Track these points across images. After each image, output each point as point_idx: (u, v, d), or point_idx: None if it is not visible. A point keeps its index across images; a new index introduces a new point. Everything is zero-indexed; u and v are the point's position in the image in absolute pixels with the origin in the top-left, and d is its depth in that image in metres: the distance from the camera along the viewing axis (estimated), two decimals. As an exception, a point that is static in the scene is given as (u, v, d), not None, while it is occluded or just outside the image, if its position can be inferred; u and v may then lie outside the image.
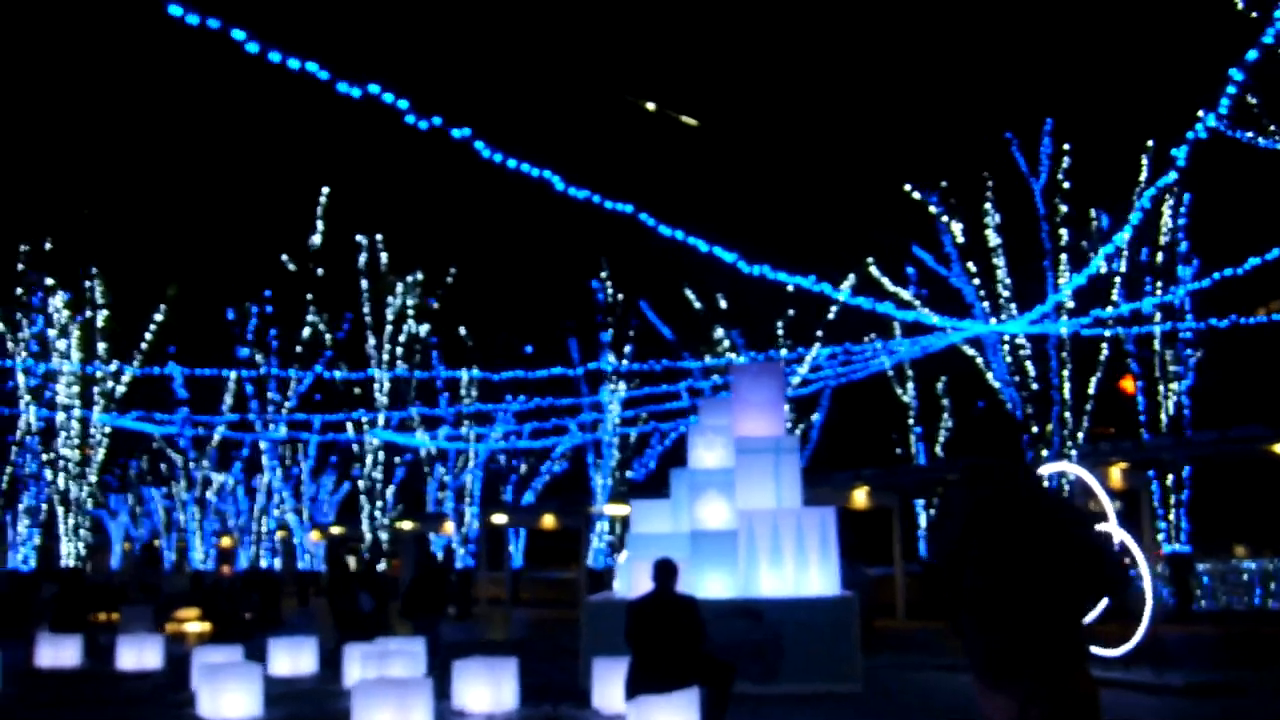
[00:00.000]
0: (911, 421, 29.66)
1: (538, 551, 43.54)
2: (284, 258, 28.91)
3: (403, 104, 14.20)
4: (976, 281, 22.11)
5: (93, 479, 24.78)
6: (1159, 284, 22.76)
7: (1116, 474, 24.08)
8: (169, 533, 50.42)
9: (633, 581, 14.64)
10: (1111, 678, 13.68)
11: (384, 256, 28.56)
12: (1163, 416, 23.59)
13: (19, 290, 24.58)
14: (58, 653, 17.19)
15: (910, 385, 29.61)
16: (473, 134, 14.69)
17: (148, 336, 25.38)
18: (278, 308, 28.81)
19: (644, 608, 9.68)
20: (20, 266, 23.67)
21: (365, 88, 13.96)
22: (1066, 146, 21.63)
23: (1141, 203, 16.57)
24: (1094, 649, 14.39)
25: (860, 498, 28.58)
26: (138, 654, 16.43)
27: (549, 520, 40.50)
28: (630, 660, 9.55)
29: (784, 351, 26.52)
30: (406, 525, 46.42)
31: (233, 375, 30.21)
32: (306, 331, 29.90)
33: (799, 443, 16.05)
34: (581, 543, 33.47)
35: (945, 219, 22.12)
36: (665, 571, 9.80)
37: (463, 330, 33.96)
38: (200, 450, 35.91)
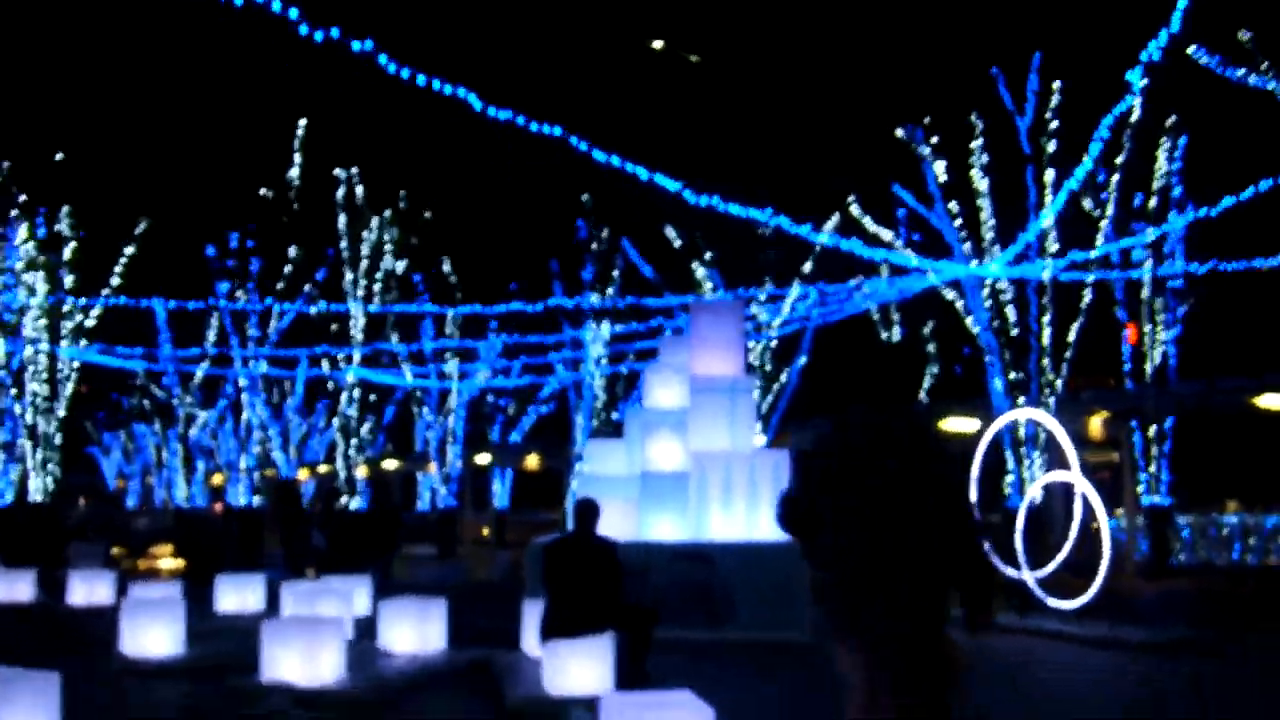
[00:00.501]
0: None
1: (524, 493, 43.45)
2: (262, 191, 28.37)
3: (368, 44, 13.78)
4: (959, 223, 21.51)
5: (61, 413, 24.54)
6: (1150, 230, 22.17)
7: (1097, 424, 23.69)
8: (160, 470, 50.46)
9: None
10: (1063, 630, 13.41)
11: (360, 190, 27.99)
12: (1148, 367, 23.11)
13: None
14: (11, 587, 17.03)
15: (896, 329, 29.14)
16: (436, 74, 14.24)
17: (119, 270, 24.94)
18: (257, 242, 28.33)
19: (560, 549, 9.35)
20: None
21: (329, 32, 13.55)
22: (1056, 84, 20.90)
23: (1100, 133, 15.88)
24: (1050, 600, 14.14)
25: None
26: (88, 590, 16.24)
27: (533, 461, 40.36)
28: (545, 603, 9.24)
29: (763, 293, 26.04)
30: (391, 465, 46.45)
31: (215, 309, 29.80)
32: (288, 267, 29.45)
33: (754, 383, 15.61)
34: (563, 484, 33.32)
35: (928, 157, 21.44)
36: (584, 513, 9.47)
37: (446, 266, 33.55)
38: (184, 387, 35.63)
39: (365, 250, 27.96)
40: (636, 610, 9.40)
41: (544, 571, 9.24)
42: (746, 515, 13.99)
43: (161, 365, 33.95)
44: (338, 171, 28.27)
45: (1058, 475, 15.38)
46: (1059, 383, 21.55)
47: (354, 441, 29.14)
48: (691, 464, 14.20)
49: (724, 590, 13.25)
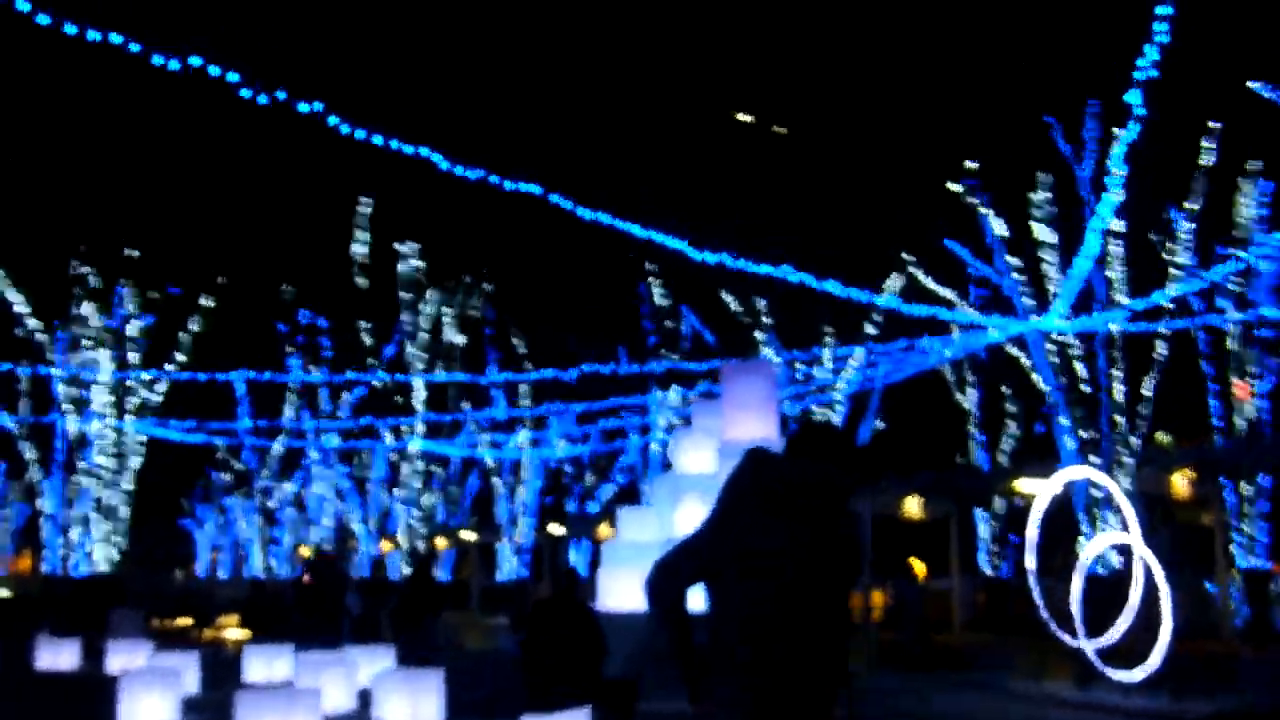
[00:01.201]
0: (973, 427, 28.12)
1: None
2: (331, 270, 28.98)
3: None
4: (1020, 276, 20.64)
5: (127, 487, 25.05)
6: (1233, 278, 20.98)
7: (1181, 482, 22.24)
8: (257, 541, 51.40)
9: (608, 592, 13.84)
10: (1122, 704, 12.35)
11: (419, 264, 28.32)
12: (1238, 421, 21.75)
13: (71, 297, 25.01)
14: (56, 656, 17.18)
15: (971, 390, 28.12)
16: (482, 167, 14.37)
17: (184, 347, 25.55)
18: (324, 317, 28.84)
19: (538, 618, 8.89)
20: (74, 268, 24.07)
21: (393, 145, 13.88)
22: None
23: (1113, 162, 14.99)
24: (1110, 671, 13.08)
25: (914, 506, 27.09)
26: (128, 658, 16.24)
27: (606, 531, 39.82)
28: (521, 674, 8.76)
29: (827, 353, 25.37)
30: (470, 536, 46.39)
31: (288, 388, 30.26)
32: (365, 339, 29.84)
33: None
34: (636, 554, 32.66)
35: (985, 210, 20.67)
36: (564, 582, 9.01)
37: (516, 342, 33.58)
38: (262, 460, 36.28)
39: (425, 324, 28.15)
40: (615, 684, 8.84)
41: (521, 641, 8.78)
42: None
43: (240, 439, 34.68)
44: (400, 247, 28.68)
45: (1114, 538, 14.35)
46: (1134, 440, 20.35)
47: (416, 513, 29.10)
48: (717, 530, 13.59)
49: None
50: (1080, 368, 20.38)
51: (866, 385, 25.66)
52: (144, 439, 25.37)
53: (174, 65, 13.18)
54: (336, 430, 30.82)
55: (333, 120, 14.24)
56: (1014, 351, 21.48)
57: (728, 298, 27.09)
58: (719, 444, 14.37)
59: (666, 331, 30.10)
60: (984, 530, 27.99)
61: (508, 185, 13.57)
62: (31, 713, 12.64)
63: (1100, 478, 15.07)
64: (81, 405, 24.13)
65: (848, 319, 25.07)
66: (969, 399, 28.12)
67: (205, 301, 25.92)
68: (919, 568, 33.20)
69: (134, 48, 12.76)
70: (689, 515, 14.27)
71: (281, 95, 13.59)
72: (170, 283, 25.50)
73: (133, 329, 24.99)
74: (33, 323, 24.54)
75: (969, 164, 20.54)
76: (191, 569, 62.34)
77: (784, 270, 18.25)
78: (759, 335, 26.58)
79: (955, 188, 20.97)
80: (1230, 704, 11.91)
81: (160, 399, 25.74)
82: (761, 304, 26.66)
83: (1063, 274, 20.05)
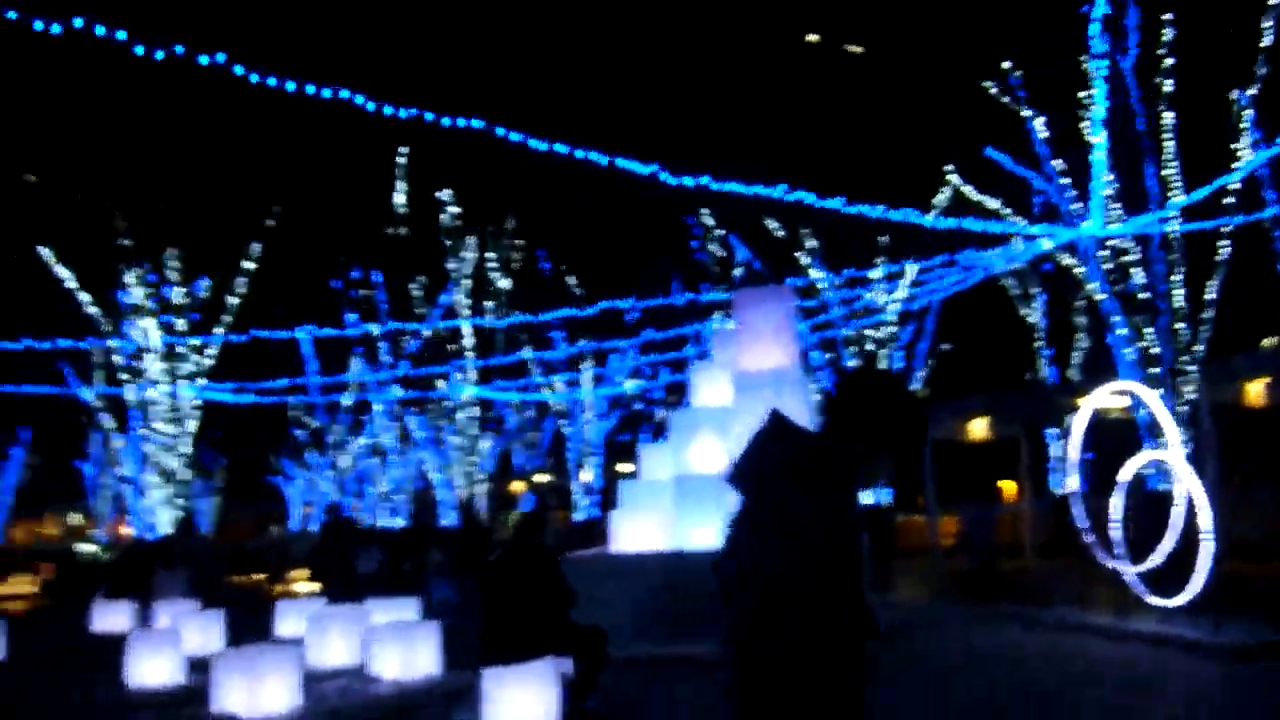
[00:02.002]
0: (1040, 342, 26.98)
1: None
2: (374, 221, 28.91)
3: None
4: (1068, 180, 19.46)
5: (186, 450, 25.53)
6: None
7: (1257, 391, 20.98)
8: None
9: (623, 534, 13.52)
10: (1161, 632, 11.63)
11: (455, 210, 28.05)
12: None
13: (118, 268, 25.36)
14: (110, 618, 17.56)
15: (1036, 303, 26.95)
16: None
17: (231, 309, 25.75)
18: (372, 270, 28.85)
19: (499, 565, 8.56)
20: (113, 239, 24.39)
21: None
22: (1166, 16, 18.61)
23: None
24: (1151, 597, 12.36)
25: (979, 428, 26.23)
26: (169, 618, 16.53)
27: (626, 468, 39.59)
28: (481, 624, 8.46)
29: (877, 273, 24.43)
30: (544, 479, 46.63)
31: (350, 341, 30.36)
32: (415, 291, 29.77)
33: (803, 373, 14.35)
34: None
35: (1027, 113, 19.47)
36: (525, 525, 8.67)
37: (572, 280, 33.19)
38: (332, 416, 36.77)
39: (468, 270, 27.93)
40: (583, 631, 8.49)
41: (482, 589, 8.48)
42: (793, 517, 12.80)
43: (311, 396, 35.14)
44: (440, 194, 28.43)
45: (1152, 454, 13.51)
46: (1200, 348, 19.19)
47: (473, 459, 29.16)
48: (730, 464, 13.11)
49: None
50: (1138, 274, 19.23)
51: (920, 304, 24.68)
52: (199, 403, 25.82)
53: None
54: (397, 382, 30.96)
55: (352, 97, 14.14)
56: (1069, 261, 20.32)
57: (773, 224, 26.29)
58: (733, 375, 13.82)
59: (719, 260, 29.44)
60: (1056, 450, 26.96)
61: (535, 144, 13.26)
62: (63, 672, 12.92)
63: (1141, 391, 14.15)
64: (136, 374, 24.59)
65: (897, 237, 24.08)
66: (1034, 312, 27.00)
67: (248, 264, 26.09)
68: (1008, 489, 32.29)
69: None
70: (704, 450, 13.85)
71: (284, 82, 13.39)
72: (212, 246, 25.74)
73: (178, 296, 25.32)
74: (84, 296, 25.01)
75: (1006, 65, 19.33)
76: (284, 525, 64.03)
77: (831, 201, 17.46)
78: (805, 260, 25.79)
79: (994, 90, 19.79)
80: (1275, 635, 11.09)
81: (211, 363, 26.10)
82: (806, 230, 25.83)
83: (1114, 175, 18.86)
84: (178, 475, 25.70)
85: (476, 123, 15.58)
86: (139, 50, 13.21)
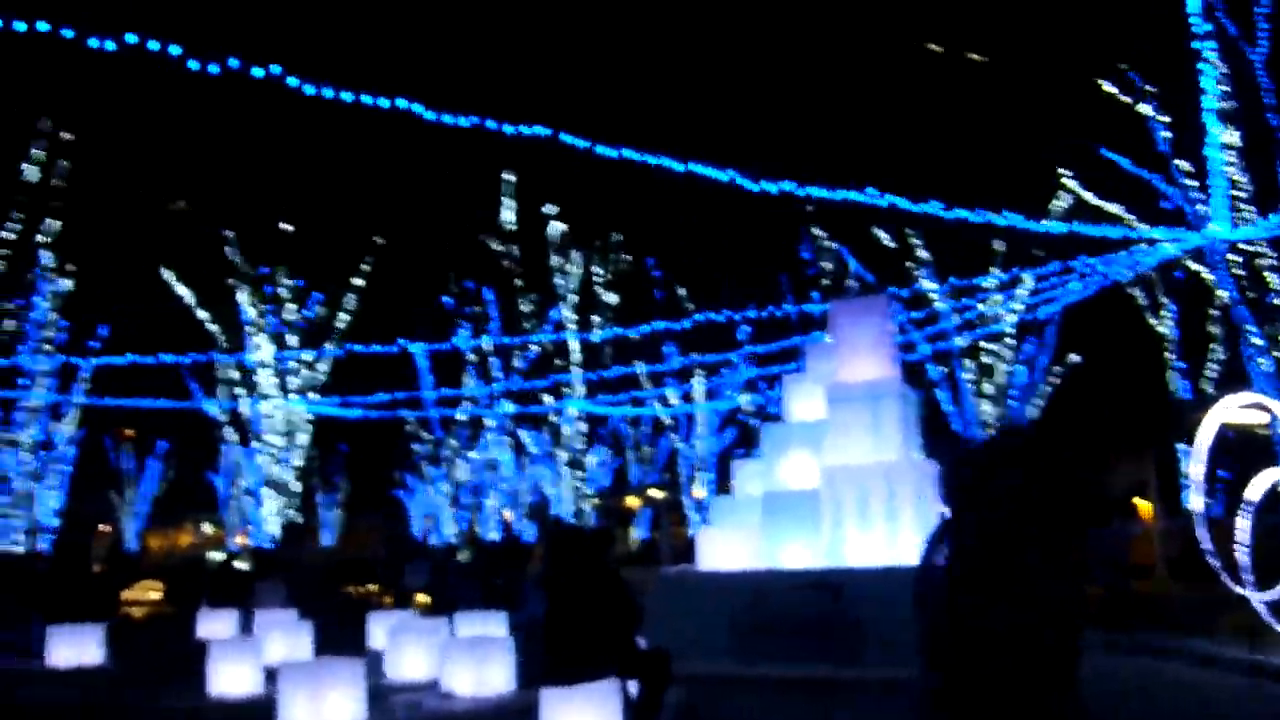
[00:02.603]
0: (1172, 355, 25.50)
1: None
2: (483, 238, 29.15)
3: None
4: (1193, 182, 18.30)
5: (297, 463, 26.08)
6: None
7: None
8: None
9: (711, 551, 13.13)
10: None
11: (561, 226, 28.07)
12: None
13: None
14: (213, 625, 17.94)
15: (1169, 314, 25.48)
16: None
17: (341, 325, 26.28)
18: (479, 286, 29.11)
19: (561, 582, 8.29)
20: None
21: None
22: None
23: None
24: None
25: (1104, 445, 24.92)
26: (267, 627, 16.76)
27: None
28: (542, 643, 8.19)
29: (993, 282, 23.45)
30: (658, 494, 46.32)
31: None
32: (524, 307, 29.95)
33: (903, 386, 13.69)
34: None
35: (1147, 109, 18.38)
36: (591, 541, 8.38)
37: (682, 291, 32.86)
38: (447, 430, 37.21)
39: (573, 284, 27.93)
40: (646, 653, 8.14)
41: (545, 606, 8.23)
42: (886, 536, 12.23)
43: (421, 411, 35.65)
44: (547, 209, 28.52)
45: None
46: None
47: (580, 474, 29.06)
48: (822, 480, 12.62)
49: (851, 622, 11.57)
50: (1274, 279, 17.96)
51: (1041, 315, 23.58)
52: (310, 417, 26.41)
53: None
54: (507, 396, 31.14)
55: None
56: (1197, 267, 19.10)
57: (882, 234, 25.55)
58: (827, 388, 13.31)
59: (829, 274, 28.78)
60: (1188, 466, 25.31)
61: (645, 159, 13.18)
62: (157, 679, 13.16)
63: (1272, 404, 13.11)
64: (252, 389, 25.28)
65: (1012, 245, 23.09)
66: (1165, 323, 25.53)
67: (358, 281, 26.61)
68: (1143, 508, 30.63)
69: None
70: (796, 466, 13.37)
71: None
72: (325, 264, 26.33)
73: (289, 313, 25.96)
74: (202, 314, 25.86)
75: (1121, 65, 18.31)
76: (407, 538, 65.04)
77: (938, 207, 16.88)
78: (917, 272, 24.97)
79: (1111, 89, 18.76)
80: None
81: (322, 378, 26.66)
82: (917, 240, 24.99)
83: (1246, 175, 17.66)
84: (289, 487, 26.27)
85: (581, 142, 15.53)
86: (233, 65, 13.49)
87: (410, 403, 33.31)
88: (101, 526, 55.50)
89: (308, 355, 25.62)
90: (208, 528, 62.12)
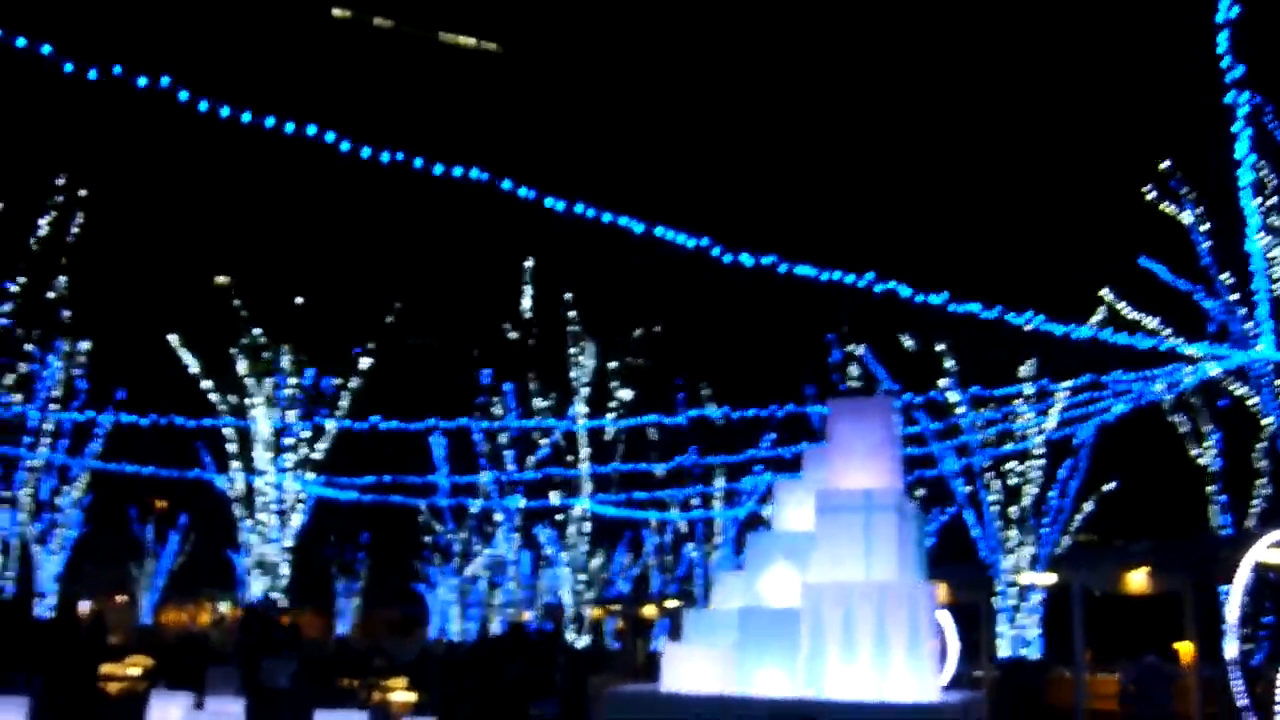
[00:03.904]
0: (1213, 487, 23.96)
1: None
2: (505, 326, 28.51)
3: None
4: (1235, 297, 17.10)
5: (288, 543, 25.08)
6: None
7: None
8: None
9: (676, 669, 11.81)
10: None
11: (574, 315, 27.28)
12: None
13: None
14: (166, 708, 16.84)
15: (1212, 442, 24.01)
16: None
17: (343, 403, 25.54)
18: (497, 378, 28.36)
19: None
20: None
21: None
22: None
23: None
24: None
25: (1138, 579, 23.22)
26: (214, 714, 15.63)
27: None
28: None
29: (1024, 397, 22.20)
30: (675, 604, 44.56)
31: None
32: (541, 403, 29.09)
33: (905, 499, 12.43)
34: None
35: (1188, 218, 17.26)
36: (485, 660, 7.26)
37: (708, 394, 31.83)
38: (459, 522, 36.13)
39: (586, 377, 27.04)
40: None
41: None
42: (874, 666, 10.88)
43: (438, 498, 34.61)
44: (567, 296, 27.81)
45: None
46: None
47: (582, 577, 27.75)
48: (804, 599, 11.31)
49: (834, 763, 10.19)
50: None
51: (1069, 435, 22.21)
52: (304, 496, 25.49)
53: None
54: (520, 485, 30.09)
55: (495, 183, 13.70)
56: (1242, 390, 17.77)
57: (907, 339, 24.47)
58: (816, 495, 12.07)
59: (857, 379, 27.67)
60: (1228, 611, 23.51)
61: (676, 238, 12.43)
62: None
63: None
64: (246, 462, 24.48)
65: (1044, 358, 21.88)
66: (1208, 453, 24.04)
67: (365, 362, 25.92)
68: (1184, 650, 28.65)
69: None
70: (778, 581, 12.10)
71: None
72: (331, 341, 25.70)
73: (289, 388, 25.25)
74: (206, 383, 25.25)
75: (1164, 166, 17.29)
76: (420, 631, 63.27)
77: (972, 305, 15.89)
78: (944, 383, 23.76)
79: (1153, 196, 17.71)
80: None
81: (319, 456, 25.79)
82: (941, 346, 23.83)
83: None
84: (280, 569, 25.24)
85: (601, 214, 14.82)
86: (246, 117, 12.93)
87: (423, 489, 32.29)
88: (119, 597, 54.82)
89: (329, 425, 24.62)
90: (225, 605, 61.18)
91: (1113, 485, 26.13)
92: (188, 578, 51.76)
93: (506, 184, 14.03)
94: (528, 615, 40.76)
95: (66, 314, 27.32)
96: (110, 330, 27.30)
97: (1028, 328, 20.64)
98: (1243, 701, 11.29)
